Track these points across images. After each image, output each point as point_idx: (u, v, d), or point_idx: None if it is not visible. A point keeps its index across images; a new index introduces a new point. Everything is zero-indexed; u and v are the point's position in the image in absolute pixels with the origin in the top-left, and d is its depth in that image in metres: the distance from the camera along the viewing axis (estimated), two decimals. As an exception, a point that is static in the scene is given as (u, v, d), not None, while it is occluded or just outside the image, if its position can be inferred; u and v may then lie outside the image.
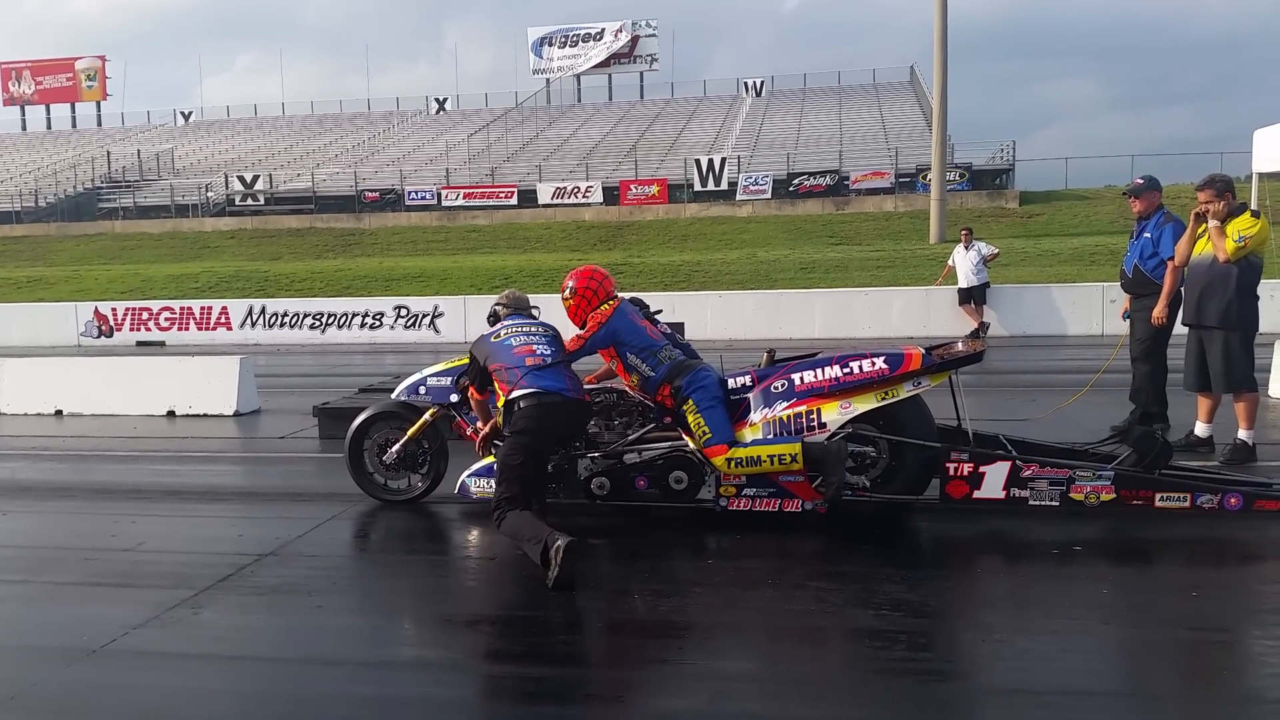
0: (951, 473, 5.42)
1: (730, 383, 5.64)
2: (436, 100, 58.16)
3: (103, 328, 21.86)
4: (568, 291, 5.73)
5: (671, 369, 5.55)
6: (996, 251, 17.47)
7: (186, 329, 21.59)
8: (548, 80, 58.20)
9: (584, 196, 37.28)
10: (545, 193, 37.54)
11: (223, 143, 53.46)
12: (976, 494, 5.41)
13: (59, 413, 10.69)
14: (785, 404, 5.44)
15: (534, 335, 5.34)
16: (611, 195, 36.95)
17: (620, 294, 5.85)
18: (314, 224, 37.93)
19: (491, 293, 23.36)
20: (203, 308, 21.87)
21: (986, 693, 3.50)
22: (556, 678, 3.81)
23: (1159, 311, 7.32)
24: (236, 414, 10.31)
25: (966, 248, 16.74)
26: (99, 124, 61.62)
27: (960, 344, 5.95)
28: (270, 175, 42.23)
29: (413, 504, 6.22)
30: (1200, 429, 7.02)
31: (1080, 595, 4.37)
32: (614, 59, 57.01)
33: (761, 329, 17.74)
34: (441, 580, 5.15)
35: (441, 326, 20.31)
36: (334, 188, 41.11)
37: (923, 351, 5.51)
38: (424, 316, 20.52)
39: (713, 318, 18.75)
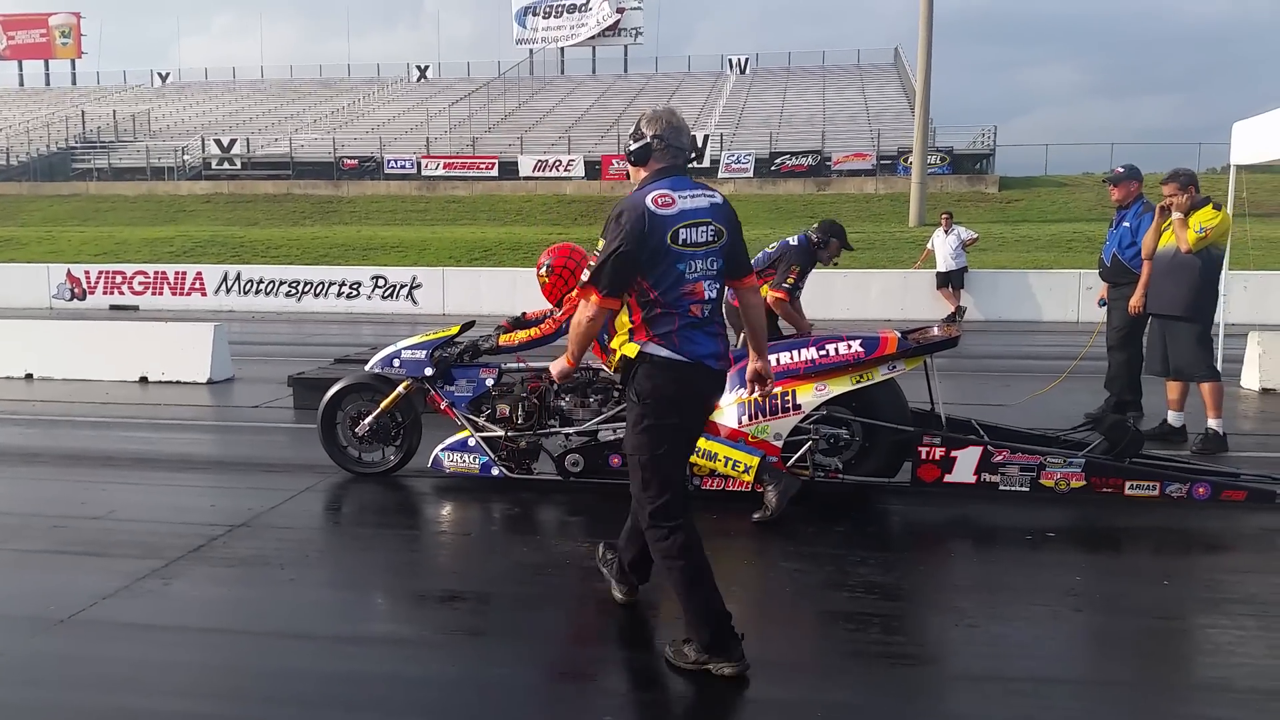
0: (923, 456, 5.49)
1: None
2: (418, 68, 57.53)
3: (75, 290, 21.57)
4: (544, 270, 5.75)
5: None
6: (975, 236, 17.52)
7: (160, 294, 21.34)
8: (531, 51, 57.64)
9: (565, 170, 37.08)
10: (526, 165, 37.29)
11: (200, 105, 52.71)
12: (948, 478, 5.47)
13: (29, 376, 10.54)
14: None
15: (711, 254, 3.51)
16: (593, 169, 36.77)
17: None
18: (291, 190, 37.54)
19: (471, 265, 23.23)
20: (177, 272, 21.61)
21: (958, 678, 3.53)
22: (529, 656, 3.80)
23: (1135, 300, 7.37)
24: (210, 382, 10.20)
25: (946, 232, 16.78)
26: (73, 82, 60.56)
27: (935, 329, 6.01)
28: (247, 140, 41.69)
29: (385, 477, 6.19)
30: (1173, 418, 7.09)
31: (1053, 582, 4.40)
32: (599, 34, 56.50)
33: (740, 308, 17.71)
34: (415, 555, 5.13)
35: (419, 298, 20.15)
36: (312, 154, 40.66)
37: (899, 336, 5.55)
38: (402, 287, 20.35)
39: (692, 295, 18.70)
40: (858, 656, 3.68)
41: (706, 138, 37.06)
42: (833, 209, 31.68)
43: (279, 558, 4.78)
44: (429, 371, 5.98)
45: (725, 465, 5.35)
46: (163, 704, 3.32)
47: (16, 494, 6.18)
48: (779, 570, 4.61)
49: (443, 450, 6.00)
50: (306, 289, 20.84)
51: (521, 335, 5.80)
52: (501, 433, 5.86)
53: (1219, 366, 7.11)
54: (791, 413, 5.44)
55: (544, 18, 57.39)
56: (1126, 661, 3.71)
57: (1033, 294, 17.44)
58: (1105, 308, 8.01)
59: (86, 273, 21.78)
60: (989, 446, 5.47)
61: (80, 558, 4.76)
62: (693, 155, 3.64)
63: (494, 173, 37.43)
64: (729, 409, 5.50)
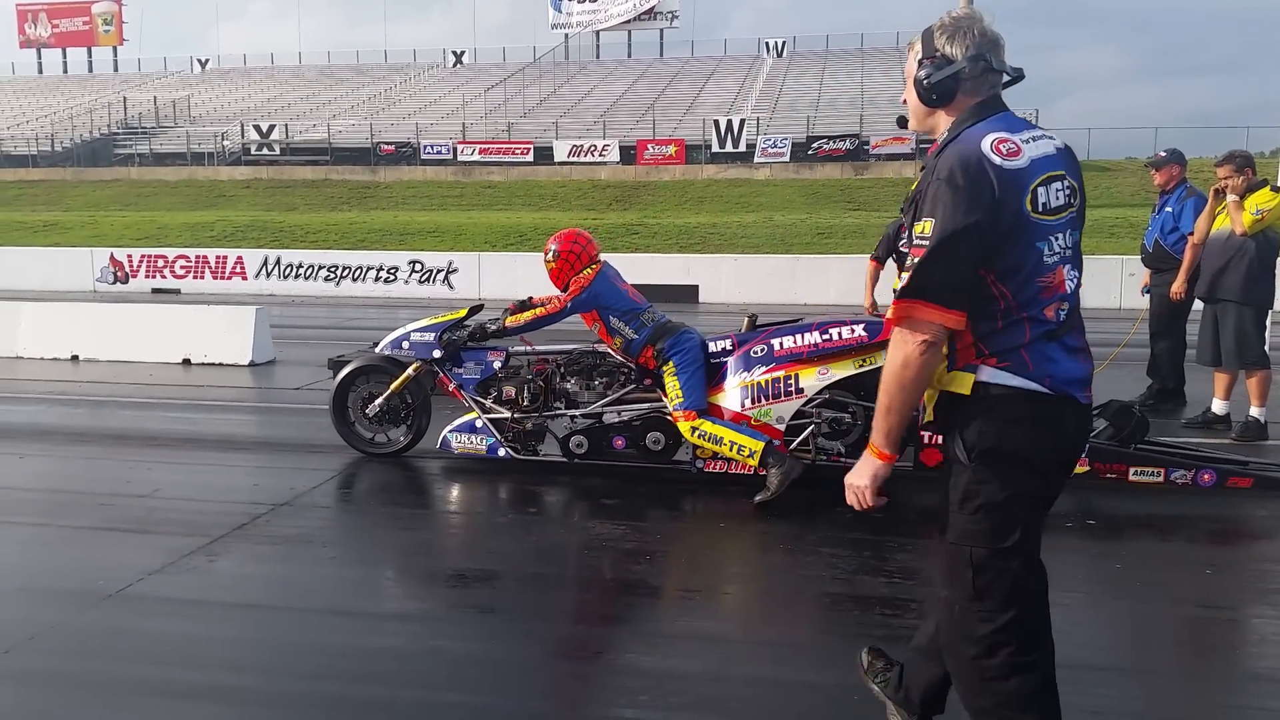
0: (926, 440, 5.49)
1: (710, 346, 5.71)
2: (454, 53, 57.64)
3: (118, 274, 21.92)
4: (550, 254, 5.84)
5: (654, 331, 5.67)
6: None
7: (202, 277, 21.64)
8: (566, 35, 57.53)
9: (600, 155, 37.03)
10: (562, 150, 37.30)
11: (239, 91, 53.19)
12: None
13: (75, 358, 10.75)
14: (764, 368, 5.50)
15: (1069, 225, 2.33)
16: (628, 154, 36.69)
17: (602, 257, 5.94)
18: (329, 175, 37.82)
19: (506, 250, 23.31)
20: (218, 257, 21.90)
21: (996, 663, 3.51)
22: (570, 636, 3.84)
23: (1177, 286, 7.28)
24: (252, 364, 10.36)
25: (986, 217, 16.59)
26: (115, 69, 61.25)
27: None
28: (286, 125, 42.02)
29: (397, 457, 6.29)
30: (1218, 406, 6.98)
31: (1092, 570, 4.37)
32: (634, 17, 56.29)
33: (776, 294, 17.67)
34: (454, 535, 5.20)
35: (456, 282, 20.29)
36: (350, 139, 40.89)
37: None
38: (438, 272, 20.50)
39: (727, 282, 18.68)
40: (895, 641, 3.66)
41: (742, 122, 36.88)
42: (871, 193, 31.45)
43: (321, 536, 4.87)
44: (437, 354, 6.07)
45: (730, 449, 5.37)
46: (207, 677, 3.39)
47: (65, 472, 6.31)
48: (817, 555, 4.60)
49: (451, 431, 6.09)
50: (345, 273, 21.05)
51: (527, 315, 5.89)
52: (508, 414, 5.94)
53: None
54: (794, 396, 5.46)
55: (579, 2, 57.22)
56: (1167, 650, 3.68)
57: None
58: (1148, 294, 7.90)
59: (129, 256, 22.11)
60: None
61: (127, 535, 4.86)
62: (1012, 79, 2.43)
63: (529, 158, 37.47)
64: (732, 391, 5.54)
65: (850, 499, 2.45)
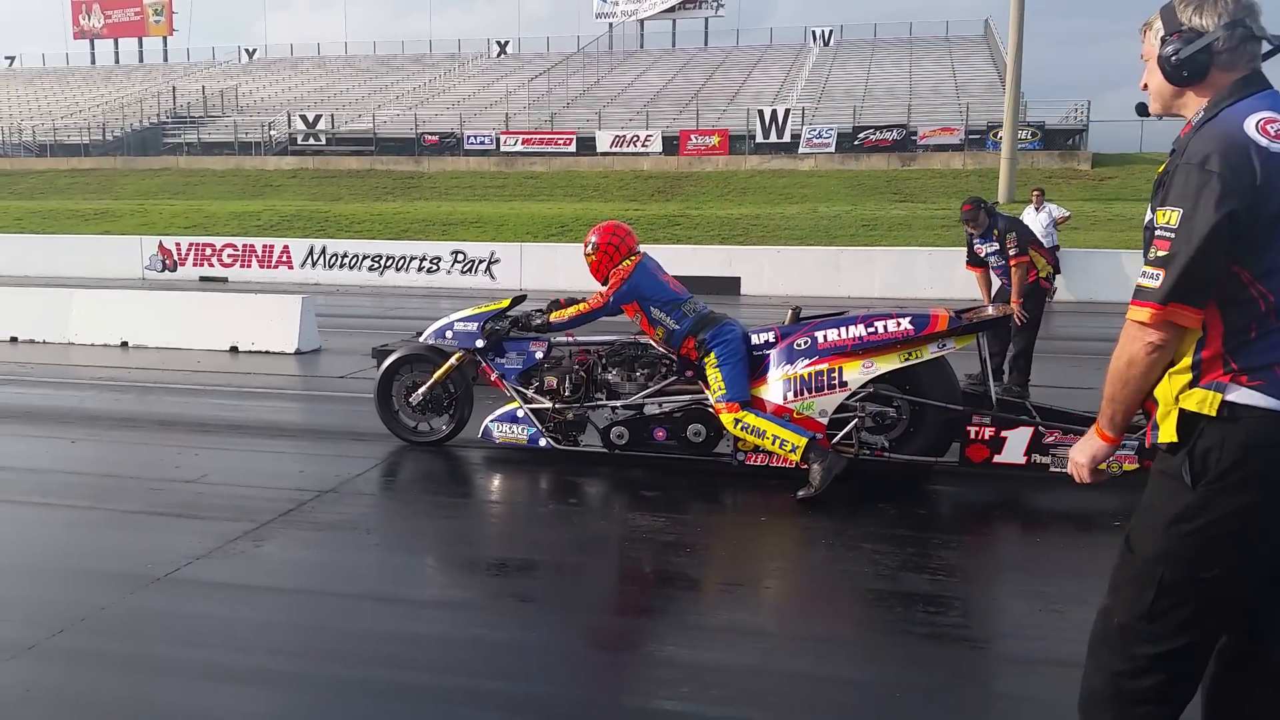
0: (972, 436, 5.43)
1: (753, 339, 5.67)
2: (498, 43, 57.84)
3: (167, 262, 22.26)
4: (590, 247, 5.83)
5: (696, 322, 5.64)
6: (1068, 214, 17.01)
7: (249, 266, 21.91)
8: (610, 25, 57.50)
9: (643, 145, 36.94)
10: (604, 140, 37.24)
11: (285, 81, 53.76)
12: (997, 458, 5.44)
13: (125, 344, 10.94)
14: (807, 361, 5.45)
15: None
16: (671, 145, 36.54)
17: (641, 249, 5.93)
18: (374, 166, 38.11)
19: (548, 241, 23.38)
20: (265, 246, 22.16)
21: (1041, 663, 3.45)
22: (609, 627, 3.84)
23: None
24: (298, 352, 10.48)
25: (1037, 209, 16.30)
26: (165, 59, 62.22)
27: (990, 308, 5.96)
28: (332, 115, 42.39)
29: (440, 446, 6.32)
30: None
31: (1142, 569, 4.28)
32: (678, 5, 56.12)
33: (820, 286, 17.55)
34: (495, 524, 5.22)
35: (498, 273, 20.38)
36: (394, 130, 41.18)
37: (950, 314, 5.47)
38: (480, 262, 20.60)
39: (770, 274, 18.58)
40: (938, 639, 3.63)
41: (787, 112, 36.63)
42: (918, 185, 31.10)
43: (365, 523, 4.91)
44: (480, 343, 6.10)
45: (773, 443, 5.33)
46: (253, 660, 3.43)
47: (114, 457, 6.42)
48: (859, 551, 4.56)
49: (492, 421, 6.12)
50: (388, 263, 21.23)
51: (570, 311, 5.89)
52: (549, 405, 5.95)
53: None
54: (837, 389, 5.41)
55: (624, -10, 57.12)
56: (1220, 652, 3.60)
57: (1126, 275, 16.88)
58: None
59: (177, 245, 22.45)
60: (1040, 427, 5.39)
61: (175, 519, 4.94)
62: (1274, 49, 2.13)
63: (571, 148, 37.47)
64: (774, 384, 5.50)
65: (1070, 470, 2.35)
